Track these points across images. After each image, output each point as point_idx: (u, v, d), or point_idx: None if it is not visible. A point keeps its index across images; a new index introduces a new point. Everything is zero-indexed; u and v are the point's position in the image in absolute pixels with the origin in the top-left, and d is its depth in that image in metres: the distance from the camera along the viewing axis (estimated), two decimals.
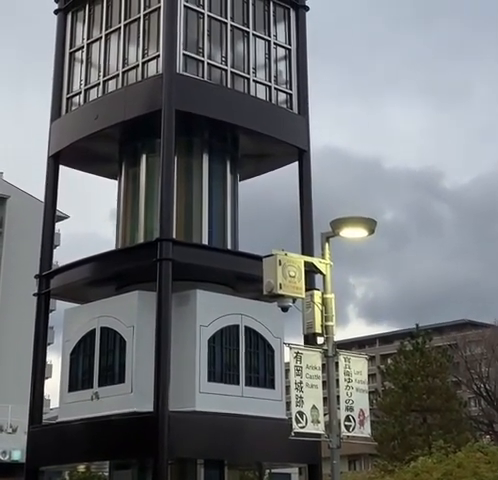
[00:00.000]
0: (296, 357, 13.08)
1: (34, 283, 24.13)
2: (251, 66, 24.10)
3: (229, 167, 24.01)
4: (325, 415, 13.25)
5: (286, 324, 22.33)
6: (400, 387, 42.42)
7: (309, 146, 24.49)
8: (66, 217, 62.80)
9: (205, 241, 22.65)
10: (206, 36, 23.35)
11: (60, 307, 28.95)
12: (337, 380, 13.54)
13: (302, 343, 15.94)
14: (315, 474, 22.08)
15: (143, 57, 23.18)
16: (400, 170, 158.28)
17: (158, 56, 22.66)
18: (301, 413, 12.89)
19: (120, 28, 24.08)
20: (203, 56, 23.07)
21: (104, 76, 24.07)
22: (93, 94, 24.25)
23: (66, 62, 25.34)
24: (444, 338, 62.24)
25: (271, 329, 22.13)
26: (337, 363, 13.56)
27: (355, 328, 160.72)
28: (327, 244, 13.91)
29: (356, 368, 13.82)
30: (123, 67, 23.62)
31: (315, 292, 13.68)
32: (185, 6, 22.98)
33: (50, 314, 24.30)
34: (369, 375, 14.62)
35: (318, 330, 13.46)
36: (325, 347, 13.47)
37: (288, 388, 13.97)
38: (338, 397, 13.56)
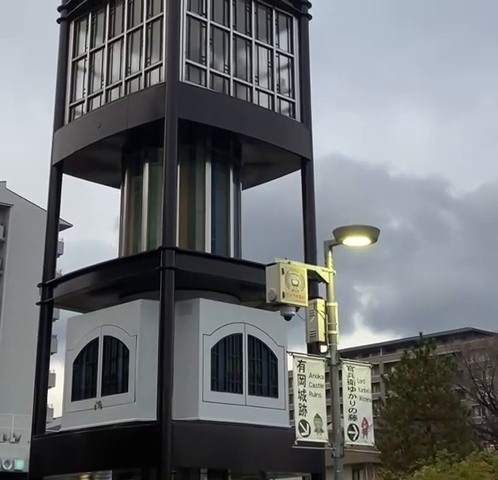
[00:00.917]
0: (299, 366, 13.03)
1: (37, 292, 24.12)
2: (254, 75, 24.14)
3: (232, 175, 24.02)
4: (328, 424, 13.19)
5: (289, 333, 22.32)
6: (404, 396, 42.23)
7: (312, 154, 24.49)
8: (69, 226, 62.84)
9: (208, 250, 22.63)
10: (209, 45, 23.40)
11: (63, 316, 28.96)
12: (340, 389, 13.50)
13: (305, 352, 15.88)
14: None
15: (146, 66, 23.23)
16: (406, 178, 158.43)
17: (161, 65, 22.70)
18: (304, 422, 12.83)
19: (123, 37, 24.15)
20: (206, 65, 23.10)
21: (107, 85, 24.12)
22: (96, 103, 24.30)
23: (69, 71, 25.42)
24: (448, 346, 61.99)
25: (274, 338, 22.08)
26: (340, 372, 13.52)
27: (360, 336, 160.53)
28: (330, 252, 13.88)
29: (359, 377, 13.77)
30: (126, 76, 23.67)
31: (318, 300, 13.63)
32: (188, 15, 23.04)
33: (53, 323, 24.31)
34: (373, 384, 14.52)
35: (321, 339, 13.41)
36: (328, 356, 13.42)
37: (291, 397, 13.91)
38: (341, 406, 13.51)
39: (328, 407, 13.16)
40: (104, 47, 24.68)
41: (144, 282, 21.22)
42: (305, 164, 24.36)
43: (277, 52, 25.01)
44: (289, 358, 13.52)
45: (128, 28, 24.08)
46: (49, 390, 24.92)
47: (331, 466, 13.70)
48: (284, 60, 25.23)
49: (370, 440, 13.71)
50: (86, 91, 24.79)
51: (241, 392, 21.23)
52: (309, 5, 25.90)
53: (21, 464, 40.69)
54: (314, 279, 14.08)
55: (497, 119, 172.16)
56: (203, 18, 23.50)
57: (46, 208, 25.01)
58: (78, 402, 22.08)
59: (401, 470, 34.47)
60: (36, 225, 47.52)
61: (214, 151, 23.72)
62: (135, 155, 23.94)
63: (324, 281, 13.78)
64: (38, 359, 23.28)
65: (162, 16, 23.08)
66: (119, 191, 24.56)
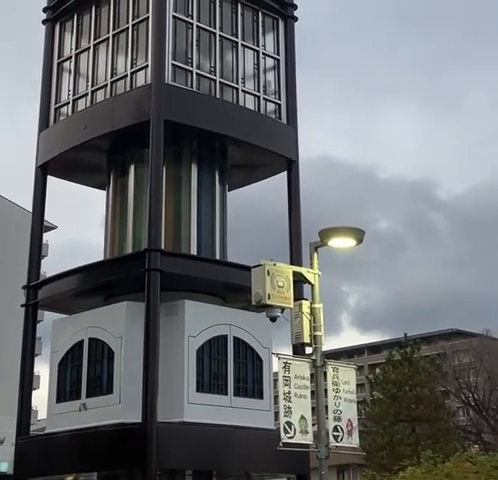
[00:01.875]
0: (284, 367, 13.05)
1: (22, 294, 24.03)
2: (240, 76, 24.16)
3: (218, 177, 24.03)
4: (313, 425, 13.22)
5: (275, 334, 22.35)
6: (388, 397, 42.38)
7: (298, 156, 24.54)
8: (54, 227, 62.59)
9: (194, 251, 22.63)
10: (195, 46, 23.41)
11: (48, 318, 28.85)
12: (325, 390, 13.54)
13: (291, 353, 15.91)
14: None
15: (131, 67, 23.20)
16: (395, 180, 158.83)
17: (147, 66, 22.69)
18: (289, 423, 12.85)
19: (108, 38, 24.11)
20: (192, 66, 23.11)
21: (92, 86, 24.08)
22: (81, 104, 24.25)
23: (54, 72, 25.35)
24: (432, 347, 62.16)
25: (260, 339, 22.11)
26: (325, 373, 13.56)
27: (348, 337, 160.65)
28: (316, 254, 13.92)
29: (344, 378, 13.80)
30: (111, 77, 23.64)
31: (303, 302, 13.65)
32: (174, 16, 23.03)
33: (38, 325, 24.22)
34: (358, 385, 14.56)
35: (306, 340, 13.43)
36: (313, 357, 13.45)
37: (276, 398, 13.93)
38: (326, 407, 13.54)
39: (313, 408, 13.19)
40: (89, 48, 24.63)
41: (129, 284, 21.20)
42: (291, 166, 24.39)
43: (263, 54, 25.05)
44: (274, 359, 13.54)
45: (114, 29, 24.05)
46: (34, 392, 24.86)
47: (316, 467, 13.72)
48: (270, 62, 25.27)
49: (355, 441, 13.74)
50: (71, 92, 24.73)
51: (226, 394, 21.24)
52: (295, 7, 25.95)
53: (5, 466, 40.55)
54: (300, 280, 14.12)
55: (487, 121, 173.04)
56: (189, 19, 23.51)
57: (31, 210, 24.92)
58: (63, 404, 22.03)
59: (386, 471, 34.59)
60: (21, 227, 47.30)
61: (200, 153, 23.71)
62: (121, 157, 23.90)
63: (309, 283, 13.82)
64: (23, 361, 23.20)
65: (148, 17, 23.07)
66: (105, 193, 24.52)
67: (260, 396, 21.96)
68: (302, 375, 13.20)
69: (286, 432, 12.79)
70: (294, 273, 13.50)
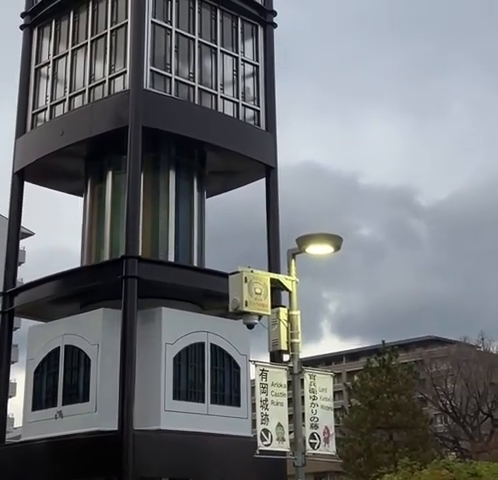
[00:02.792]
0: (262, 374, 12.99)
1: None
2: (219, 82, 24.15)
3: (196, 184, 23.98)
4: (290, 433, 13.18)
5: (252, 341, 22.30)
6: (366, 404, 42.42)
7: (276, 162, 24.56)
8: (31, 234, 62.22)
9: (171, 258, 22.56)
10: (173, 52, 23.37)
11: (24, 325, 28.62)
12: (303, 397, 13.49)
13: (268, 360, 15.87)
14: None
15: (110, 73, 23.12)
16: (377, 186, 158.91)
17: (125, 72, 22.62)
18: (266, 431, 12.78)
19: (87, 44, 24.02)
20: (170, 72, 23.07)
21: (70, 92, 23.97)
22: (59, 110, 24.13)
23: (32, 78, 25.21)
24: (410, 355, 62.38)
25: (237, 346, 22.05)
26: (303, 380, 13.51)
27: (328, 344, 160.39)
28: (293, 261, 13.89)
29: (321, 385, 13.76)
30: (89, 83, 23.54)
31: (281, 309, 13.61)
32: (152, 22, 22.99)
33: (14, 332, 24.04)
34: (335, 392, 14.54)
35: (284, 347, 13.39)
36: (291, 364, 13.41)
37: (254, 406, 13.88)
38: (303, 414, 13.50)
39: (290, 416, 13.15)
40: (68, 54, 24.52)
41: (106, 291, 21.09)
42: (269, 172, 24.40)
43: (242, 60, 25.05)
44: (251, 367, 13.48)
45: (92, 35, 23.96)
46: (10, 400, 24.66)
47: (293, 475, 13.68)
48: (249, 68, 25.28)
49: (332, 449, 13.69)
50: (49, 98, 24.60)
51: (203, 401, 21.16)
52: (274, 13, 26.00)
53: None
54: (277, 287, 14.09)
55: (467, 128, 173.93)
56: (168, 25, 23.47)
57: (7, 216, 24.74)
58: (39, 411, 21.87)
59: (363, 478, 34.64)
60: None
61: (178, 159, 23.66)
62: (98, 163, 23.79)
63: (287, 289, 13.78)
64: None
65: (126, 23, 23.01)
66: (82, 199, 24.39)
67: (237, 404, 21.90)
68: (279, 382, 13.14)
69: (263, 440, 12.72)
70: (272, 280, 13.45)
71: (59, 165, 24.33)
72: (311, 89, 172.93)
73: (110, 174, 23.37)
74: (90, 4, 24.14)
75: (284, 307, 13.85)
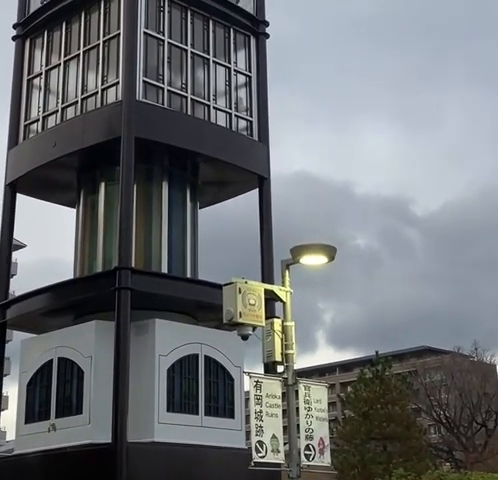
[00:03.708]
0: (256, 386, 12.93)
1: None
2: (211, 93, 24.14)
3: (189, 195, 23.93)
4: (285, 444, 13.09)
5: (246, 353, 22.21)
6: (360, 415, 42.23)
7: (269, 173, 24.54)
8: (23, 246, 62.07)
9: (164, 269, 22.48)
10: (166, 63, 23.36)
11: (17, 338, 28.49)
12: (297, 409, 13.42)
13: (262, 372, 15.80)
14: None
15: (102, 84, 23.09)
16: (371, 196, 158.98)
17: (118, 83, 22.59)
18: (261, 442, 12.71)
19: (79, 55, 24.00)
20: (163, 83, 23.05)
21: (63, 103, 23.92)
22: (51, 121, 24.07)
23: (24, 89, 25.17)
24: (404, 365, 62.34)
25: (231, 358, 21.95)
26: (297, 391, 13.45)
27: (324, 355, 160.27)
28: (287, 271, 13.84)
29: (316, 396, 13.69)
30: (82, 94, 23.51)
31: (275, 320, 13.56)
32: (145, 33, 22.98)
33: (6, 345, 23.90)
34: (329, 403, 14.46)
35: (278, 358, 13.33)
36: (285, 375, 13.35)
37: (248, 417, 13.79)
38: (298, 426, 13.42)
39: (285, 427, 13.07)
40: (60, 65, 24.49)
41: (99, 302, 20.99)
42: (262, 183, 24.38)
43: (235, 70, 25.06)
44: (246, 378, 13.40)
45: (84, 46, 23.94)
46: (2, 413, 24.55)
47: None
48: (242, 79, 25.29)
49: (327, 460, 13.62)
50: (41, 109, 24.56)
51: (197, 413, 21.05)
52: (267, 24, 26.03)
53: None
54: (272, 298, 14.03)
55: (461, 137, 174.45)
56: (160, 36, 23.47)
57: None
58: (32, 424, 21.72)
59: None
60: None
61: (171, 170, 23.62)
62: (91, 174, 23.73)
63: (281, 300, 13.72)
64: None
65: (119, 34, 22.99)
66: (75, 211, 24.31)
67: (231, 415, 21.79)
68: (274, 394, 13.07)
69: (258, 451, 12.64)
70: (266, 291, 13.40)
71: (51, 176, 24.27)
72: (304, 99, 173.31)
73: (103, 185, 23.31)
74: (82, 15, 24.14)
75: (278, 318, 13.79)
